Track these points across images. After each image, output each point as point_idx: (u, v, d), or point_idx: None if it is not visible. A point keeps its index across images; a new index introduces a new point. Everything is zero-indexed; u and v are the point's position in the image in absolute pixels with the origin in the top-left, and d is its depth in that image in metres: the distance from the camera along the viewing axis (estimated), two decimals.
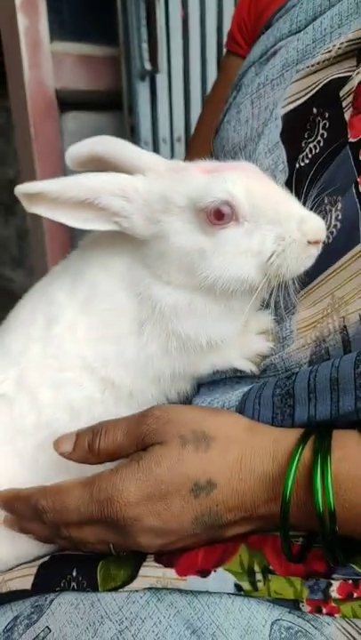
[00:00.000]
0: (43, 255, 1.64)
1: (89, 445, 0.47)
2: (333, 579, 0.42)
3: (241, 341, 0.55)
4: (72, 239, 1.62)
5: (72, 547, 0.49)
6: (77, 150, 0.55)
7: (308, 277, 0.50)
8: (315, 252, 0.48)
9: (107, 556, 0.47)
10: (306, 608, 0.42)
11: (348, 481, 0.39)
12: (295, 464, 0.40)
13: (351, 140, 0.48)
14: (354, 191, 0.46)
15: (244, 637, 0.41)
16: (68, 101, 1.30)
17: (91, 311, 0.54)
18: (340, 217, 0.47)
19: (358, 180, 0.46)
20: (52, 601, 0.46)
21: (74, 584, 0.46)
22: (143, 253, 0.52)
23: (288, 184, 0.53)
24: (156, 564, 0.45)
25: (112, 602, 0.44)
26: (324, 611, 0.41)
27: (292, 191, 0.51)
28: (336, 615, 0.41)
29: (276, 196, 0.49)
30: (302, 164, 0.52)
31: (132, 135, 1.39)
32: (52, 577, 0.47)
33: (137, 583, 0.44)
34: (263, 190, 0.48)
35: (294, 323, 0.51)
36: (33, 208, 0.50)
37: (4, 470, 0.53)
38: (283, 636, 0.41)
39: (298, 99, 0.54)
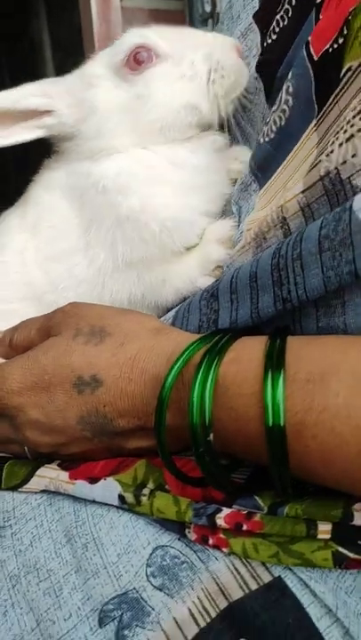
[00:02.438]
0: None
1: (10, 341, 0.45)
2: (231, 508, 0.35)
3: (200, 254, 0.49)
4: None
5: None
6: None
7: (268, 171, 0.43)
8: (242, 61, 0.47)
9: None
10: (192, 536, 0.35)
11: (234, 384, 0.32)
12: (182, 360, 0.34)
13: None
14: (304, 52, 0.37)
15: (122, 556, 0.36)
16: None
17: (39, 232, 0.54)
18: (290, 89, 0.39)
19: (310, 38, 0.37)
20: None
21: None
22: (78, 150, 0.51)
23: (258, 68, 0.46)
24: (56, 467, 0.42)
25: (10, 501, 0.42)
26: (211, 541, 0.35)
27: (261, 76, 0.45)
28: (224, 549, 0.34)
29: (185, 29, 0.49)
30: (270, 42, 0.44)
31: None
32: None
33: (33, 482, 0.42)
34: (170, 29, 0.49)
35: (245, 224, 0.44)
36: None
37: None
38: (165, 563, 0.35)
39: None
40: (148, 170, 0.50)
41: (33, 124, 0.51)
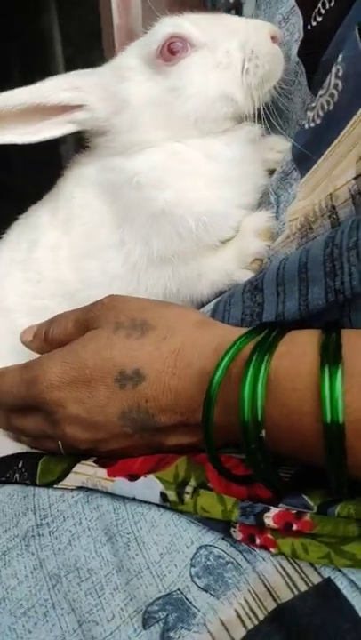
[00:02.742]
0: None
1: (45, 334, 0.44)
2: (278, 507, 0.34)
3: (237, 247, 0.48)
4: None
5: (31, 443, 0.47)
6: None
7: (311, 159, 0.41)
8: (278, 49, 0.46)
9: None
10: (238, 535, 0.34)
11: (287, 380, 0.31)
12: (230, 355, 0.33)
13: None
14: (356, 34, 0.36)
15: (164, 556, 0.35)
16: None
17: (71, 229, 0.52)
18: (340, 73, 0.37)
19: None
20: None
21: (17, 475, 0.44)
22: (110, 145, 0.50)
23: (300, 53, 0.44)
24: (93, 464, 0.41)
25: (45, 498, 0.41)
26: (258, 541, 0.33)
27: (303, 61, 0.43)
28: (272, 549, 0.33)
29: (219, 16, 0.49)
30: (314, 24, 0.43)
31: None
32: (2, 469, 0.46)
33: (69, 479, 0.41)
34: (205, 17, 0.47)
35: (288, 214, 0.42)
36: None
37: None
38: (209, 563, 0.34)
39: None
40: (182, 163, 0.48)
41: (63, 119, 0.49)
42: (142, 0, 1.14)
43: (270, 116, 0.49)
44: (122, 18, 1.13)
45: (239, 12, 1.21)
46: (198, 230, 0.47)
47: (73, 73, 0.51)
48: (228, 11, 1.19)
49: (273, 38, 0.47)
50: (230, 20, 0.50)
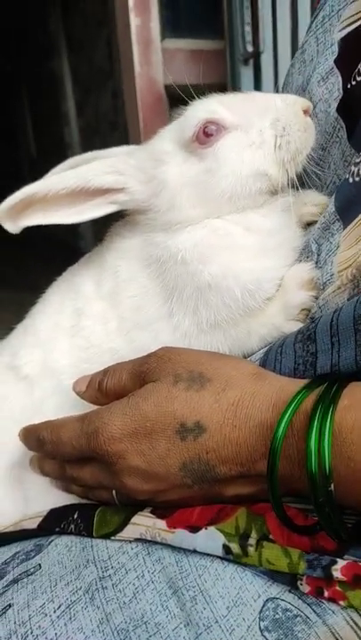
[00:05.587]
0: None
1: (99, 385, 0.45)
2: (343, 559, 0.34)
3: (282, 300, 0.49)
4: None
5: (82, 494, 0.48)
6: None
7: (354, 210, 0.43)
8: (310, 120, 0.48)
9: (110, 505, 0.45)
10: (305, 588, 0.34)
11: (353, 433, 0.32)
12: (292, 408, 0.34)
13: None
14: None
15: (231, 609, 0.35)
16: (177, 96, 1.31)
17: (119, 302, 0.53)
18: None
19: None
20: (51, 542, 0.45)
21: (72, 527, 0.44)
22: (152, 223, 0.52)
23: (339, 109, 0.46)
24: (150, 515, 0.41)
25: (104, 550, 0.42)
26: (327, 594, 0.33)
27: (342, 116, 0.45)
28: (341, 602, 0.33)
29: (250, 95, 0.51)
30: (353, 83, 0.45)
31: None
32: (56, 519, 0.46)
33: (128, 530, 0.41)
34: (236, 97, 0.51)
35: (336, 264, 0.44)
36: (21, 222, 0.51)
37: (18, 448, 0.51)
38: (277, 616, 0.34)
39: (357, 20, 0.47)
40: (223, 238, 0.50)
41: (105, 200, 0.51)
42: (163, 49, 1.19)
43: (304, 180, 0.50)
44: (142, 67, 1.18)
45: (258, 61, 1.27)
46: (245, 299, 0.48)
47: (111, 152, 0.55)
48: (246, 61, 1.24)
49: (305, 111, 0.49)
50: (261, 98, 0.52)
